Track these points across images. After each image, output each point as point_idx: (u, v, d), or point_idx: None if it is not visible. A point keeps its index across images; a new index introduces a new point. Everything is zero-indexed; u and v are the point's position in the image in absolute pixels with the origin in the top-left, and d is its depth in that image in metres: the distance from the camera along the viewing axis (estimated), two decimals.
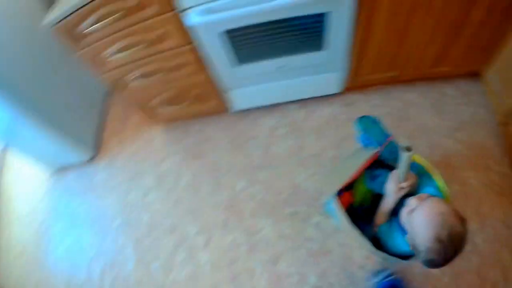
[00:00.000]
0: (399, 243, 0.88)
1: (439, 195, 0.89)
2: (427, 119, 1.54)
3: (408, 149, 0.82)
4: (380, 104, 1.62)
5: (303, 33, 1.23)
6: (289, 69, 1.42)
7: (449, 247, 0.73)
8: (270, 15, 1.12)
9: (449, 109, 1.55)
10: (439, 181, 0.92)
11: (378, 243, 0.95)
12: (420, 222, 0.77)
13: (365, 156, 1.00)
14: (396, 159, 0.91)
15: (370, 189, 1.06)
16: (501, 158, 1.37)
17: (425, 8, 1.15)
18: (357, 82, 1.55)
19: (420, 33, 1.26)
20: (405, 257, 0.89)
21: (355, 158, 1.04)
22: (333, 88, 1.60)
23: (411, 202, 0.83)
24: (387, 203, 0.93)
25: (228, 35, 1.20)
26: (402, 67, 1.46)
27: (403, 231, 0.86)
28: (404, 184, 0.89)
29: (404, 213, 0.85)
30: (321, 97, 1.66)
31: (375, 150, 1.00)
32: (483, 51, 1.37)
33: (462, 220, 0.75)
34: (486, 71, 1.49)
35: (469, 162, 1.39)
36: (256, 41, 1.25)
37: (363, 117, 1.05)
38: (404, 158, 0.84)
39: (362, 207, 1.08)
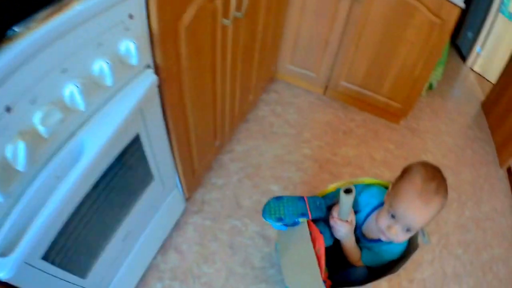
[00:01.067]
0: (391, 248, 0.92)
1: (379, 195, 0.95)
2: None
3: (348, 191, 0.85)
4: (224, 183, 1.51)
5: (127, 175, 0.86)
6: (135, 228, 1.00)
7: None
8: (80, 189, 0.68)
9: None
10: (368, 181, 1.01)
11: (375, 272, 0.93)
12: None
13: (303, 238, 0.90)
14: (322, 210, 0.93)
15: None
16: None
17: None
18: (196, 181, 1.36)
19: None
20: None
21: (298, 245, 0.94)
22: (180, 205, 1.29)
23: (382, 223, 0.85)
24: (348, 242, 0.94)
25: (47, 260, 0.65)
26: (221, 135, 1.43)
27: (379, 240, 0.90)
28: (350, 219, 0.91)
29: (382, 232, 0.87)
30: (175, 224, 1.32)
31: (304, 223, 0.91)
32: None
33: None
34: None
35: None
36: (83, 234, 0.75)
37: (264, 208, 0.94)
38: (345, 200, 0.86)
39: None
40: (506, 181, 1.88)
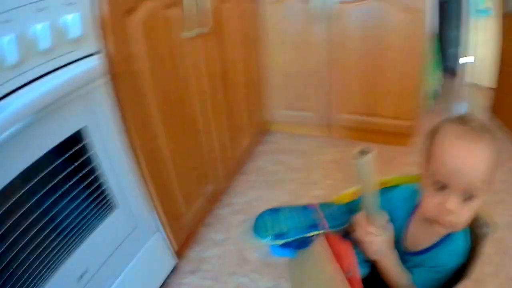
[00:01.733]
0: (452, 248, 0.64)
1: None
2: None
3: (364, 152, 0.52)
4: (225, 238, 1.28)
5: (73, 187, 0.69)
6: (94, 267, 0.76)
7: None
8: None
9: None
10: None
11: None
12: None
13: (321, 259, 0.61)
14: (341, 218, 0.65)
15: None
16: None
17: None
18: (185, 230, 1.13)
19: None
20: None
21: (316, 274, 0.63)
22: (168, 260, 1.04)
23: (430, 206, 0.59)
24: (388, 260, 0.64)
25: None
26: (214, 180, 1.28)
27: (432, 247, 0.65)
28: (383, 220, 0.62)
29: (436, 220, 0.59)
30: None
31: (320, 238, 0.63)
32: None
33: None
34: None
35: None
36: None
37: (255, 224, 0.67)
38: (366, 169, 0.53)
39: None
40: None
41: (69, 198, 0.68)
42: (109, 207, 0.78)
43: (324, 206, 0.70)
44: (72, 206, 0.69)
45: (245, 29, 1.50)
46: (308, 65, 1.73)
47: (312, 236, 0.62)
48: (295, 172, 1.64)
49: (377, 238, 0.61)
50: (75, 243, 0.70)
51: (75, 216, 0.69)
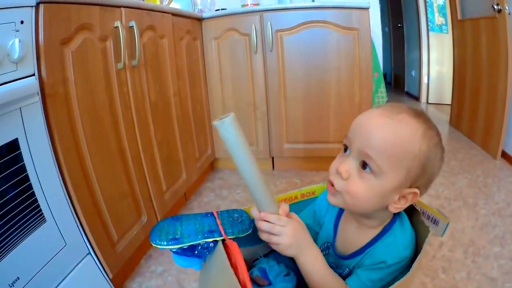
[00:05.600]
0: (393, 241, 0.56)
1: None
2: None
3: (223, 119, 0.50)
4: (165, 269, 1.28)
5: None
6: (26, 276, 0.75)
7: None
8: None
9: None
10: None
11: None
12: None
13: (222, 266, 0.52)
14: (244, 223, 0.59)
15: None
16: None
17: None
18: (121, 259, 1.08)
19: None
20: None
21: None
22: (101, 286, 1.00)
23: (331, 169, 0.56)
24: (306, 259, 0.55)
25: None
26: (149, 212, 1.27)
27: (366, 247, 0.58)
28: (278, 207, 0.56)
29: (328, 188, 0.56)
30: None
31: (219, 244, 0.55)
32: None
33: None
34: None
35: None
36: None
37: (152, 230, 0.58)
38: (232, 140, 0.50)
39: None
40: (508, 165, 1.94)
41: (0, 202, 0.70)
42: (38, 219, 0.79)
43: (224, 212, 0.65)
44: (3, 211, 0.71)
45: (186, 64, 1.59)
46: (247, 98, 1.79)
47: (211, 242, 0.56)
48: (239, 206, 1.66)
49: (280, 229, 0.54)
50: (6, 247, 0.71)
51: (6, 220, 0.71)
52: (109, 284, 1.03)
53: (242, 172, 0.53)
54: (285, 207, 0.56)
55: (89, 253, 0.96)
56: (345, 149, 0.56)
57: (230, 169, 2.05)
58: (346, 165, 0.53)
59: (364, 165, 0.51)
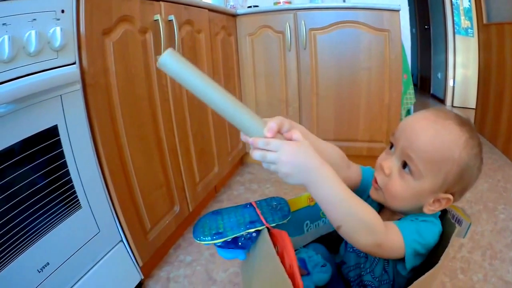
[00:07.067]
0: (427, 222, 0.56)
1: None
2: None
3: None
4: (194, 259, 1.29)
5: (41, 176, 0.71)
6: (56, 261, 0.77)
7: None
8: None
9: None
10: None
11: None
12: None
13: (268, 254, 0.53)
14: (284, 210, 0.61)
15: None
16: None
17: None
18: (152, 247, 1.10)
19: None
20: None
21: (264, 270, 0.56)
22: (132, 273, 1.02)
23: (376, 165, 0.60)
24: (319, 183, 0.47)
25: None
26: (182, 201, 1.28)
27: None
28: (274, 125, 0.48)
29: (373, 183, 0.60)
30: None
31: (264, 233, 0.57)
32: None
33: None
34: None
35: None
36: None
37: (194, 226, 0.61)
38: (174, 69, 0.48)
39: None
40: None
41: (36, 187, 0.71)
42: (74, 206, 0.81)
43: (262, 201, 0.66)
44: (38, 196, 0.72)
45: (221, 60, 1.60)
46: (279, 95, 1.81)
47: (253, 232, 0.57)
48: None
49: (272, 156, 0.46)
50: (37, 233, 0.72)
51: (40, 206, 0.72)
52: (138, 272, 1.05)
53: (208, 101, 0.49)
54: (271, 125, 0.46)
55: (121, 240, 0.99)
56: (391, 146, 0.58)
57: (260, 164, 2.03)
58: (389, 162, 0.56)
59: (404, 165, 0.54)
